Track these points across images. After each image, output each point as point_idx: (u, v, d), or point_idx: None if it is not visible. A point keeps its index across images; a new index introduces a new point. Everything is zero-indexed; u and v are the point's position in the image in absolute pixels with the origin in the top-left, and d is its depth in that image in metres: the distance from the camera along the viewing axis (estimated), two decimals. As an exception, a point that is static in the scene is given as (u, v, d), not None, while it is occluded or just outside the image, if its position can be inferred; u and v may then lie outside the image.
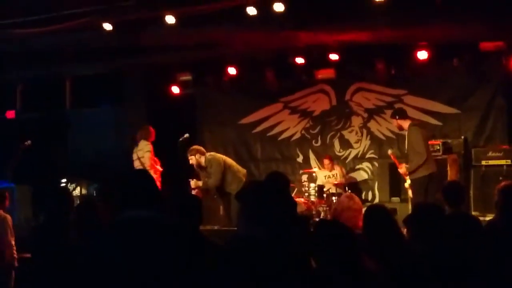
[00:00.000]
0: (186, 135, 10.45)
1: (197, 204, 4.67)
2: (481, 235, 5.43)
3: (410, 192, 9.36)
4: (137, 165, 10.23)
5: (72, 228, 4.60)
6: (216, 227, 9.88)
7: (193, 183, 9.98)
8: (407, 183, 9.41)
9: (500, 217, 5.62)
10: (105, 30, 10.03)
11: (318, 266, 3.59)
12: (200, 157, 10.00)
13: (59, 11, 9.92)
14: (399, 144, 11.57)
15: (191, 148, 10.15)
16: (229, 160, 10.29)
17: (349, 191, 11.19)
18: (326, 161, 11.75)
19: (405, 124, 9.24)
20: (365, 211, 4.92)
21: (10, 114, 13.85)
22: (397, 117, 9.37)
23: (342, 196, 5.85)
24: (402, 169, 9.36)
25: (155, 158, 10.39)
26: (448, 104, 11.42)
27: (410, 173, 9.08)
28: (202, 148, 10.24)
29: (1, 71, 12.37)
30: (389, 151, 10.46)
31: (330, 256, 3.53)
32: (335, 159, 12.04)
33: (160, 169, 10.39)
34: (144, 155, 10.24)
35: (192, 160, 10.02)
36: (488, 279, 4.33)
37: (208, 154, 10.13)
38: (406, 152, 9.34)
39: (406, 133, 9.22)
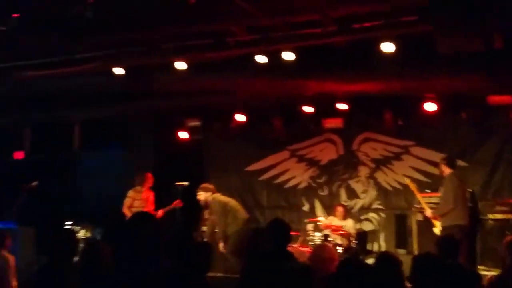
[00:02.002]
0: (186, 183, 10.63)
1: (207, 251, 4.62)
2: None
3: None
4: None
5: (76, 271, 4.57)
6: (219, 274, 9.78)
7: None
8: (437, 229, 9.50)
9: (507, 273, 5.55)
10: (115, 74, 10.12)
11: None
12: (206, 195, 10.12)
13: (69, 55, 10.03)
14: (406, 196, 11.55)
15: (202, 186, 10.47)
16: (233, 204, 10.37)
17: (355, 242, 11.12)
18: (339, 209, 11.64)
19: (447, 171, 9.57)
20: (378, 258, 4.93)
21: (19, 155, 13.89)
22: (445, 162, 9.66)
23: (313, 248, 6.27)
24: (428, 212, 9.69)
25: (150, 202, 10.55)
26: (456, 156, 11.42)
27: (435, 218, 9.46)
28: (209, 186, 10.51)
29: (10, 113, 12.45)
30: (407, 180, 10.52)
31: None
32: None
33: (160, 214, 10.46)
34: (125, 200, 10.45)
35: (200, 196, 10.27)
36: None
37: (214, 194, 10.29)
38: (440, 197, 9.70)
39: (444, 179, 9.62)
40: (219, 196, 10.37)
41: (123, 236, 3.70)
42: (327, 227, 11.29)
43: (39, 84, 10.79)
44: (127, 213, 10.32)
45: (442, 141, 11.54)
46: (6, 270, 7.18)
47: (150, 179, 10.69)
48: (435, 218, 9.54)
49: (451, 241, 6.26)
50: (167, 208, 10.63)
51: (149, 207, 10.46)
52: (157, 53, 9.72)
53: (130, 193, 10.53)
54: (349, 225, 11.40)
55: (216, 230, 10.37)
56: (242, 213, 10.41)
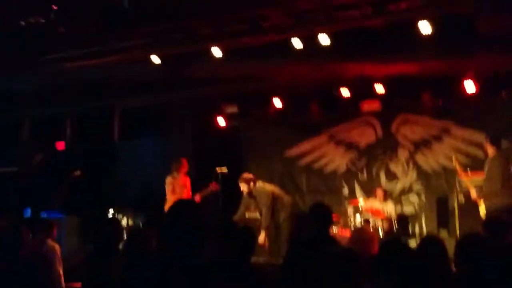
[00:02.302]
0: (225, 169, 10.61)
1: (250, 235, 4.65)
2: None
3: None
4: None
5: (121, 258, 4.65)
6: (261, 260, 9.83)
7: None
8: (482, 211, 9.27)
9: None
10: (153, 63, 10.21)
11: None
12: (249, 185, 10.16)
13: (108, 45, 10.14)
14: (447, 177, 11.45)
15: (242, 176, 10.41)
16: (278, 190, 10.41)
17: (396, 224, 11.06)
18: (379, 191, 11.54)
19: (492, 150, 9.29)
20: (422, 240, 4.92)
21: (60, 145, 14.11)
22: (489, 141, 9.39)
23: (352, 232, 6.28)
24: (473, 193, 9.38)
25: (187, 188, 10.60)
26: (488, 136, 11.27)
27: (484, 199, 9.12)
28: (250, 176, 10.47)
29: (52, 103, 12.65)
30: (454, 160, 10.34)
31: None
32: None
33: (197, 199, 10.52)
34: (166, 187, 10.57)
35: (243, 187, 10.26)
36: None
37: (257, 184, 10.33)
38: (485, 177, 9.32)
39: (488, 159, 9.30)
40: (262, 185, 10.36)
41: (166, 223, 3.75)
42: (368, 210, 11.26)
43: (79, 75, 10.95)
44: (172, 198, 10.37)
45: (482, 121, 11.35)
46: (52, 259, 7.31)
47: (185, 164, 10.74)
48: (480, 199, 9.34)
49: (499, 222, 6.17)
50: (203, 192, 10.65)
51: (187, 193, 10.53)
52: (194, 40, 9.77)
53: (169, 179, 10.62)
54: (389, 208, 11.33)
55: (258, 218, 10.35)
56: (288, 198, 10.45)
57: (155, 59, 10.20)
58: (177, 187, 10.55)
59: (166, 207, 10.12)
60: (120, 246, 5.24)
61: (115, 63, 10.51)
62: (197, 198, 10.52)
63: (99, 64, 10.49)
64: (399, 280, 3.52)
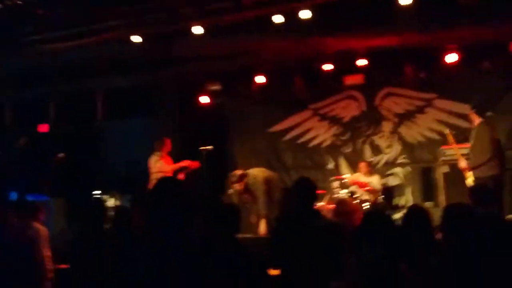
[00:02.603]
0: (210, 147, 10.45)
1: (235, 212, 4.67)
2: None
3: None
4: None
5: (107, 238, 4.66)
6: (249, 235, 9.86)
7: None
8: (470, 180, 9.20)
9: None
10: (135, 43, 10.16)
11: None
12: (244, 181, 9.86)
13: (89, 25, 10.07)
14: (431, 149, 11.54)
15: (231, 178, 10.03)
16: (272, 174, 10.26)
17: (382, 196, 11.14)
18: (363, 165, 11.59)
19: (477, 120, 9.23)
20: (406, 211, 4.97)
21: (43, 128, 14.04)
22: (474, 110, 9.34)
23: (335, 203, 6.33)
24: (463, 163, 9.25)
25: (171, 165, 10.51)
26: (473, 106, 11.33)
27: (472, 169, 9.04)
28: (238, 173, 10.00)
29: (34, 86, 12.57)
30: (446, 131, 10.27)
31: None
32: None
33: (181, 177, 10.43)
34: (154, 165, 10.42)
35: (238, 186, 9.87)
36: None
37: (249, 175, 9.96)
38: (470, 147, 9.26)
39: (475, 129, 9.21)
40: (254, 175, 10.11)
41: (151, 202, 3.75)
42: (354, 183, 11.31)
43: (62, 56, 10.87)
44: (156, 178, 10.33)
45: (465, 92, 11.41)
46: (37, 241, 7.31)
47: (168, 144, 10.69)
48: (469, 169, 9.28)
49: (485, 191, 6.23)
50: (177, 166, 10.50)
51: (169, 172, 10.49)
52: (176, 19, 9.72)
53: (153, 158, 10.58)
54: (375, 181, 11.40)
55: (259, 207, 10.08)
56: (275, 175, 10.34)
57: (137, 38, 10.15)
58: (160, 167, 10.52)
59: (150, 186, 10.09)
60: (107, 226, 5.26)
61: (97, 44, 10.43)
62: (181, 176, 10.49)
63: (81, 45, 10.41)
64: (384, 252, 3.55)
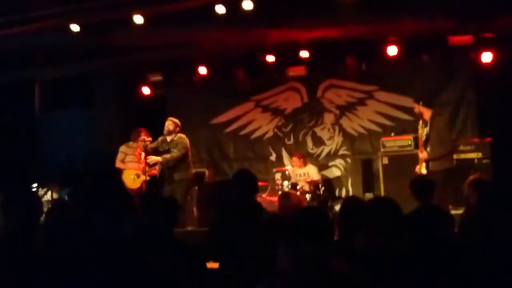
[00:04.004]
0: (149, 138, 10.29)
1: (173, 205, 4.62)
2: (451, 228, 5.44)
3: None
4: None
5: (41, 232, 4.53)
6: (189, 228, 9.83)
7: (151, 159, 9.89)
8: (423, 170, 9.06)
9: (471, 212, 5.64)
10: (72, 31, 9.94)
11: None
12: (175, 128, 9.99)
13: (25, 13, 9.79)
14: (371, 140, 11.68)
15: (172, 119, 10.19)
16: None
17: (322, 188, 11.21)
18: (295, 159, 11.68)
19: (427, 112, 9.17)
20: (342, 203, 4.97)
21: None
22: (420, 103, 9.27)
23: (279, 197, 6.31)
24: (423, 153, 9.06)
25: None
26: (419, 99, 11.47)
27: (431, 160, 8.94)
28: (179, 123, 10.17)
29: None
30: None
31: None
32: (308, 157, 12.01)
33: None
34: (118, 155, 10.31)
35: (169, 126, 10.03)
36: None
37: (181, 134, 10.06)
38: (425, 139, 9.12)
39: (427, 121, 9.10)
40: (186, 138, 10.17)
41: (88, 195, 3.66)
42: (295, 175, 11.36)
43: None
44: (121, 167, 10.13)
45: (405, 85, 11.60)
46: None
47: (143, 134, 10.48)
48: (426, 161, 9.01)
49: (426, 183, 6.28)
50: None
51: (142, 162, 10.29)
52: (115, 8, 9.53)
53: (123, 148, 10.36)
54: (311, 171, 11.42)
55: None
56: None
57: (74, 27, 9.92)
58: (129, 157, 10.31)
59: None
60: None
61: (34, 32, 10.15)
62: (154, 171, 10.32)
63: (18, 33, 10.12)
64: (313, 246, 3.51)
